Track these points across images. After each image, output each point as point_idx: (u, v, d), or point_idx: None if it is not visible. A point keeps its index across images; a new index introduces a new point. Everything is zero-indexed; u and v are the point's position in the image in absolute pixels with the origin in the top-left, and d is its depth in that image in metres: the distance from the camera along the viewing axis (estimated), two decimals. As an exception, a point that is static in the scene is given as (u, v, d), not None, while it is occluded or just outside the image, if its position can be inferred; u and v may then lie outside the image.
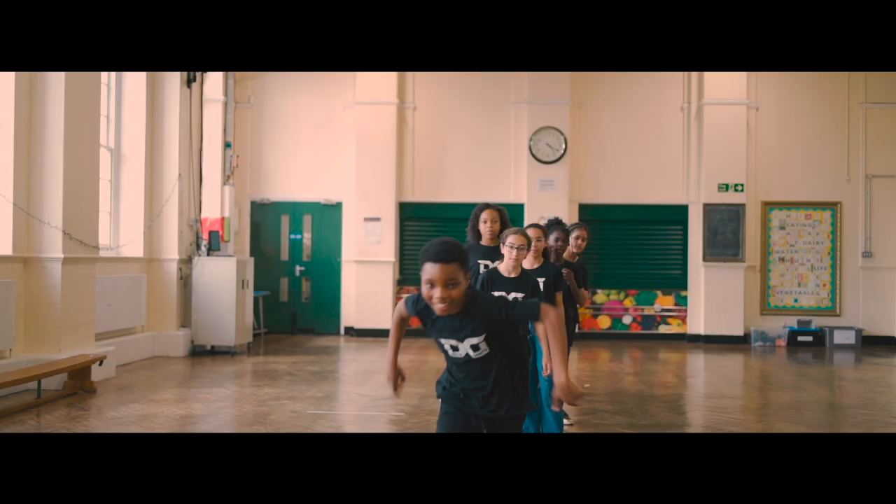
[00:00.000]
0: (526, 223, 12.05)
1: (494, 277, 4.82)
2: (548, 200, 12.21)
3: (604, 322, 12.58)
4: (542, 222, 5.99)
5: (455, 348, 2.99)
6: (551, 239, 6.02)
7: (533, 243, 5.22)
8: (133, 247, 9.87)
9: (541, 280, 5.21)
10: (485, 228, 5.51)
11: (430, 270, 2.82)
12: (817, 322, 12.35)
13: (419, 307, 3.02)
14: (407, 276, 12.68)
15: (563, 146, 12.26)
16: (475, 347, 2.96)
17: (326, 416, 6.65)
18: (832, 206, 12.51)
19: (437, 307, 2.86)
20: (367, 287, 12.42)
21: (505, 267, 4.79)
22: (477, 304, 2.92)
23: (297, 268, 12.83)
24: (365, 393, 7.75)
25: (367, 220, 12.41)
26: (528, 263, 5.31)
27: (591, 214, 12.47)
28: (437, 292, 2.82)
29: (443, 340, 3.01)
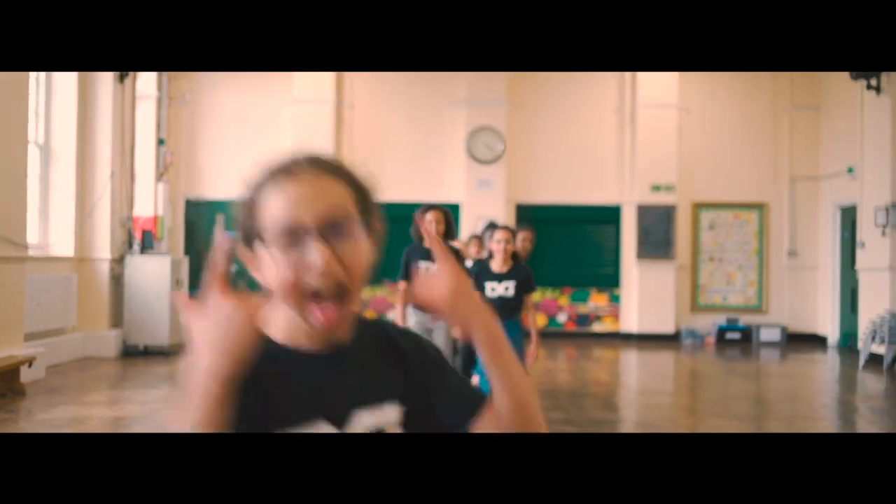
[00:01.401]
0: (463, 223, 12.20)
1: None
2: (485, 200, 12.32)
3: (539, 320, 12.69)
4: (482, 223, 6.11)
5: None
6: (519, 239, 6.14)
7: (503, 245, 5.34)
8: (63, 245, 9.64)
9: (511, 283, 5.31)
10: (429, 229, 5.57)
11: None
12: (745, 320, 12.71)
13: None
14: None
15: (501, 147, 12.37)
16: None
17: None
18: (759, 207, 12.89)
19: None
20: (304, 286, 12.34)
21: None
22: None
23: (232, 267, 12.68)
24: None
25: (304, 218, 12.32)
26: (498, 266, 5.38)
27: (528, 214, 12.62)
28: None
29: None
